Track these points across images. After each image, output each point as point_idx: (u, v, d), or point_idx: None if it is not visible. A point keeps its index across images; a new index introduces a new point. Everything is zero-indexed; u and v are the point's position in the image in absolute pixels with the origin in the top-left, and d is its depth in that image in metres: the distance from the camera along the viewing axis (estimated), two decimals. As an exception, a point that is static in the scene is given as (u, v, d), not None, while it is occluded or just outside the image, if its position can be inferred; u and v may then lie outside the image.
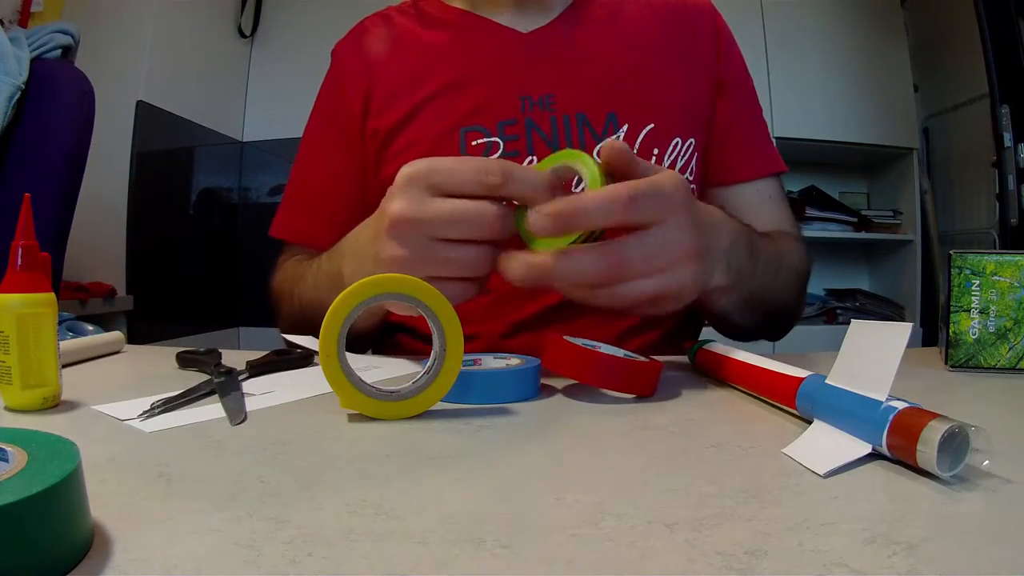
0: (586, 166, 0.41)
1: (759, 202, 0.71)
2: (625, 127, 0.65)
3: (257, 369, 0.48)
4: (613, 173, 0.41)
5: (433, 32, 0.72)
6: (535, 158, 0.64)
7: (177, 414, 0.37)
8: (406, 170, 0.41)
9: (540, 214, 0.37)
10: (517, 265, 0.39)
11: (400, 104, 0.68)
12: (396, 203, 0.41)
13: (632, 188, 0.38)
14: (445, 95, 0.67)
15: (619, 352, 0.43)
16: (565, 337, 0.42)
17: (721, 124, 0.71)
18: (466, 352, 0.37)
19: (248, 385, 0.44)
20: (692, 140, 0.68)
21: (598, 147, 0.41)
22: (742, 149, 0.71)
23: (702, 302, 0.53)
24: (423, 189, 0.40)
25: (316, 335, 0.46)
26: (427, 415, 0.36)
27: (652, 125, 0.65)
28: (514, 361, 0.44)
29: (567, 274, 0.38)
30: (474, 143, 0.65)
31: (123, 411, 0.37)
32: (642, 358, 0.43)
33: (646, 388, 0.41)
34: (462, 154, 0.64)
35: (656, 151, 0.65)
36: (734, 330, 0.63)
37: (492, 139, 0.65)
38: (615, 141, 0.41)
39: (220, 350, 0.54)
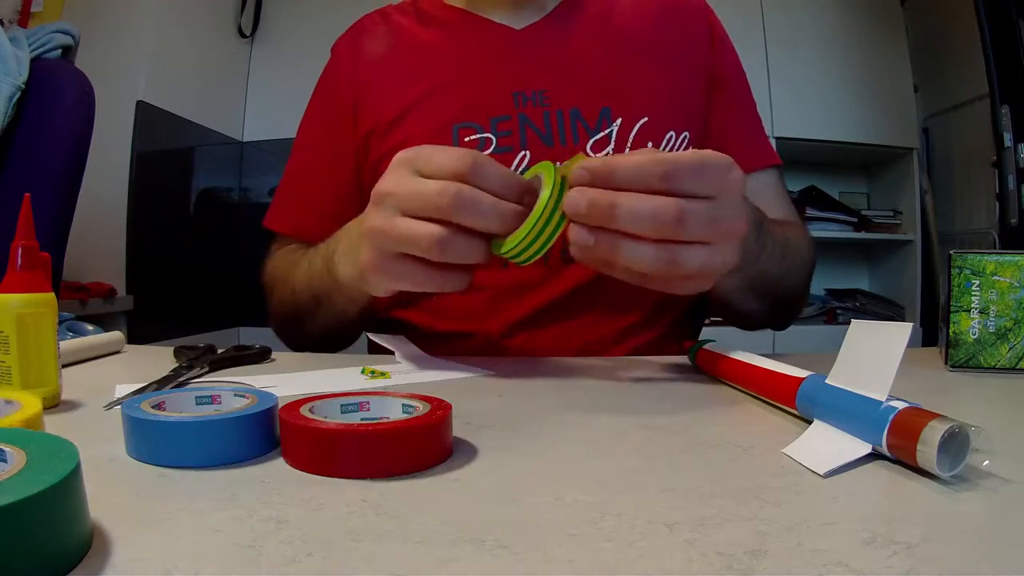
0: (547, 180, 0.41)
1: (759, 193, 0.69)
2: (619, 121, 0.65)
3: (216, 364, 0.50)
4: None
5: (429, 31, 0.72)
6: (528, 153, 0.64)
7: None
8: (381, 186, 0.44)
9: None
10: (580, 198, 0.38)
11: (394, 101, 0.69)
12: (371, 217, 0.45)
13: (668, 162, 0.38)
14: (439, 93, 0.67)
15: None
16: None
17: (716, 118, 0.71)
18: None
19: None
20: (687, 133, 0.68)
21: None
22: (739, 142, 0.71)
23: None
24: (393, 207, 0.43)
25: (303, 321, 0.46)
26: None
27: (646, 119, 0.65)
28: (243, 402, 0.31)
29: (633, 211, 0.37)
30: (467, 139, 0.65)
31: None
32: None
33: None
34: None
35: (650, 144, 0.66)
36: (736, 315, 0.63)
37: (485, 135, 0.65)
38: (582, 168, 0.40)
39: (218, 347, 0.54)
